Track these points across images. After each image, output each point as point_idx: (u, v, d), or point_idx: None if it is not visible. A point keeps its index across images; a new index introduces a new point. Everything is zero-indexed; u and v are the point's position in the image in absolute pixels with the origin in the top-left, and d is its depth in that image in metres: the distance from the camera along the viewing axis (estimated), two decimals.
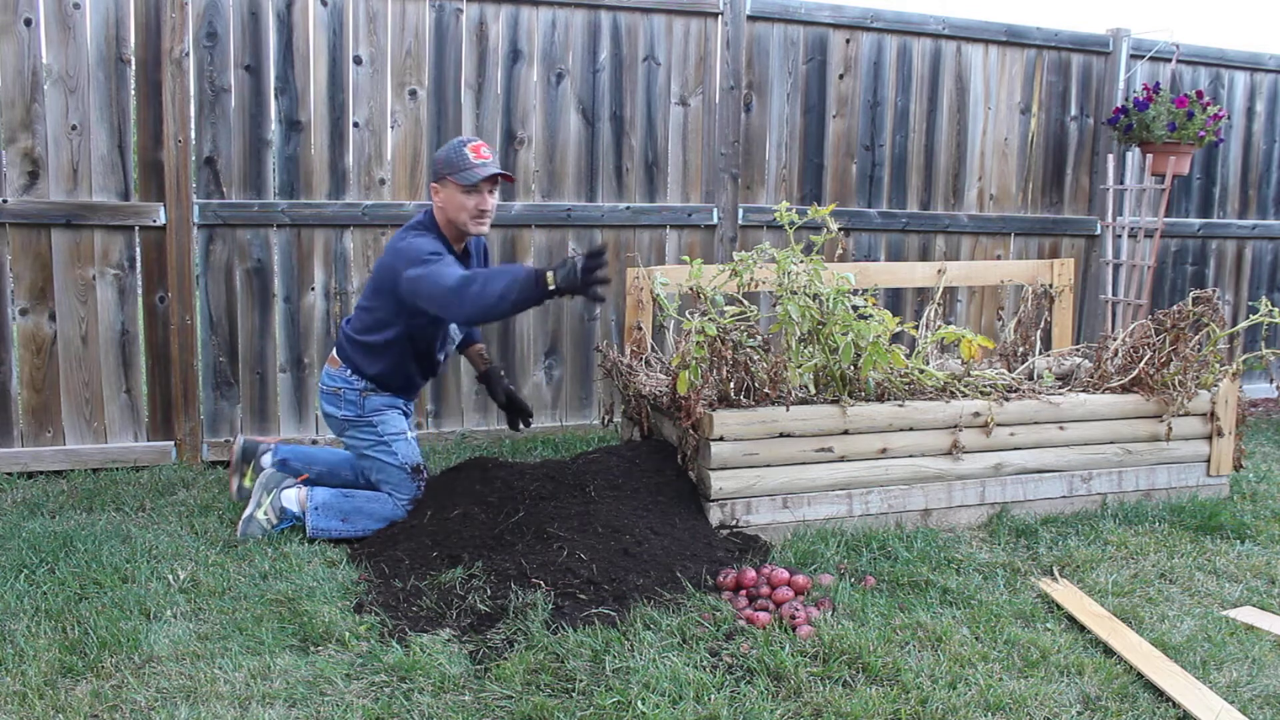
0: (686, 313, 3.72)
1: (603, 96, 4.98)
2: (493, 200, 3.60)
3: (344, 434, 3.74)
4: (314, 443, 4.59)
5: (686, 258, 4.30)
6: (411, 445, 3.74)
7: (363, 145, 4.67)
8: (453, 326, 3.80)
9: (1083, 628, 3.00)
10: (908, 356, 3.91)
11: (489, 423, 4.93)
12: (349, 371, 3.70)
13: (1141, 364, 4.11)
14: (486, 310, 3.19)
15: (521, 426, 4.10)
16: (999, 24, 5.61)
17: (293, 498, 3.62)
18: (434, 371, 3.87)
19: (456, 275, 3.23)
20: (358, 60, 4.63)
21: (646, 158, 5.09)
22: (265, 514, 3.59)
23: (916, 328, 4.16)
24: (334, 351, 3.79)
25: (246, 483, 3.84)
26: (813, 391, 3.78)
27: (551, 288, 3.06)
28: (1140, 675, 2.72)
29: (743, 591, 3.10)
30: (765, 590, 3.08)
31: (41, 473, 4.34)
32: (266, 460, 3.87)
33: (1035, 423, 3.94)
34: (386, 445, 3.68)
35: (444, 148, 3.63)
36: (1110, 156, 5.77)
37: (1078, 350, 4.75)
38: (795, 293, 3.60)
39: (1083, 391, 4.14)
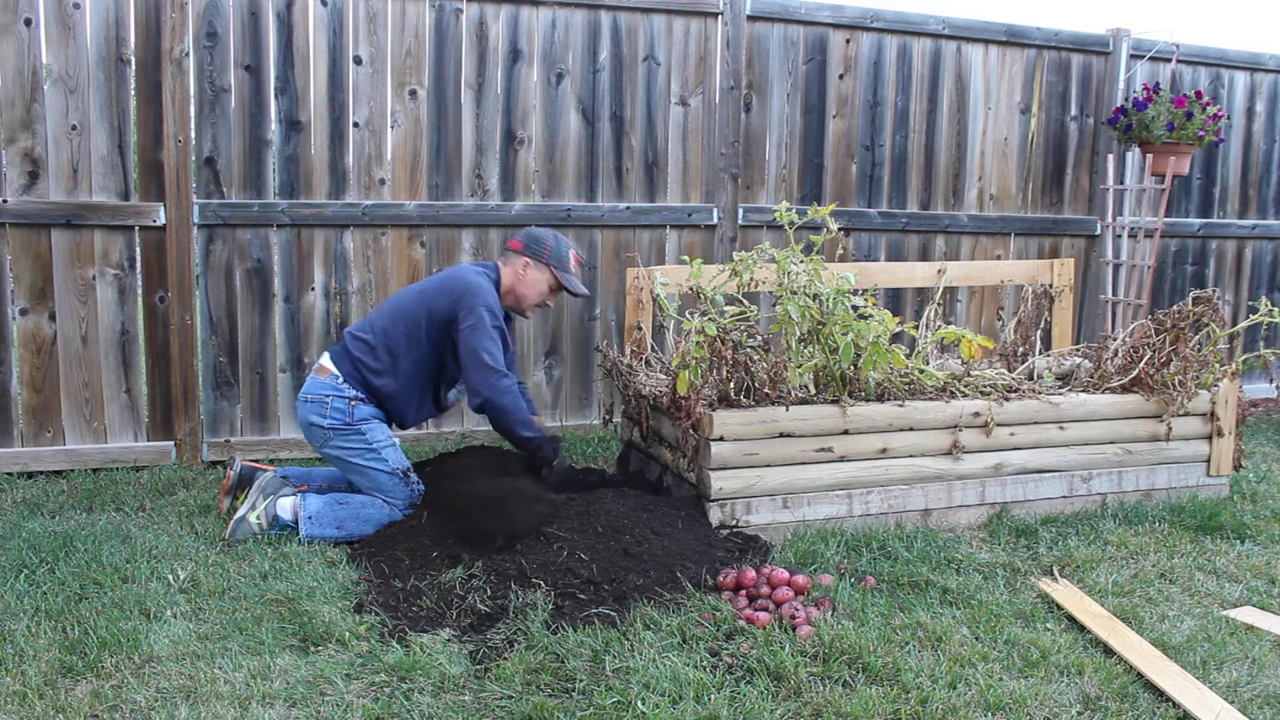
0: (686, 313, 3.72)
1: (603, 96, 4.98)
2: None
3: (328, 445, 3.70)
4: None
5: (686, 258, 4.30)
6: (399, 451, 3.74)
7: (363, 145, 4.67)
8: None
9: (1083, 628, 3.00)
10: (908, 356, 3.91)
11: (488, 423, 4.92)
12: (340, 380, 3.69)
13: (1141, 364, 4.11)
14: (495, 418, 3.74)
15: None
16: (999, 24, 5.60)
17: (287, 506, 3.61)
18: (438, 408, 3.96)
19: (509, 386, 3.69)
20: (358, 60, 4.62)
21: (646, 158, 5.08)
22: (258, 518, 3.57)
23: (916, 328, 4.16)
24: (325, 361, 3.76)
25: (238, 504, 3.82)
26: (813, 391, 3.78)
27: (540, 460, 3.75)
28: (1140, 675, 2.72)
29: (743, 591, 3.10)
30: (765, 590, 3.08)
31: (41, 473, 4.34)
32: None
33: (1035, 423, 3.94)
34: (376, 453, 3.67)
35: (549, 235, 3.90)
36: (1110, 156, 5.77)
37: (1078, 350, 4.75)
38: (795, 293, 3.60)
39: (1083, 391, 4.13)
